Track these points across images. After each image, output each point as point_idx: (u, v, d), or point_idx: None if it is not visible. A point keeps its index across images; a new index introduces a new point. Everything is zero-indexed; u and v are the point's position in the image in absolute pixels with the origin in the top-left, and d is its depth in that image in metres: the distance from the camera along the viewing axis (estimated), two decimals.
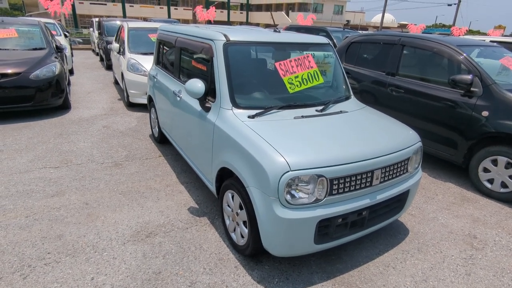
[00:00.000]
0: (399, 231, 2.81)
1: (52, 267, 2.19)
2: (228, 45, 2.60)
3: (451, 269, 2.39)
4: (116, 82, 8.23)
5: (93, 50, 15.35)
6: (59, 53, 6.17)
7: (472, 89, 3.50)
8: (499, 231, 2.90)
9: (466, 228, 2.92)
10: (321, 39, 3.09)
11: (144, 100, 5.85)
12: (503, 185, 3.37)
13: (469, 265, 2.44)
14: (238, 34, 2.72)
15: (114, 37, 8.11)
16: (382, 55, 4.61)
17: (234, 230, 2.43)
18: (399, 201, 2.46)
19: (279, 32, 3.11)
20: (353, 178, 2.04)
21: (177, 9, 40.39)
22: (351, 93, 3.09)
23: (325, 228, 2.06)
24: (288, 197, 1.91)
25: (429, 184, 3.74)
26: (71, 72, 9.23)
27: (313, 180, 1.92)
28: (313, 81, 2.74)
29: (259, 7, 52.06)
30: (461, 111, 3.57)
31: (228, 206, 2.45)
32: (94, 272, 2.17)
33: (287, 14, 45.02)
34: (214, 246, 2.49)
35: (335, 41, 8.57)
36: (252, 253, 2.26)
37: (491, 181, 3.46)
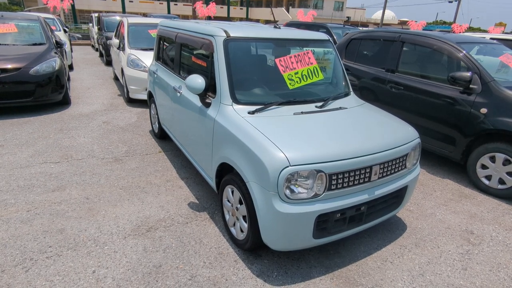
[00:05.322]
0: (397, 227, 2.84)
1: (54, 260, 2.21)
2: (229, 41, 2.61)
3: (448, 263, 2.42)
4: (115, 78, 8.23)
5: (93, 46, 15.30)
6: (58, 49, 6.16)
7: (471, 86, 3.52)
8: (496, 226, 2.93)
9: (463, 223, 2.95)
10: (321, 35, 3.09)
11: (144, 96, 5.86)
12: (501, 181, 3.40)
13: (465, 260, 2.47)
14: (239, 30, 2.72)
15: (114, 33, 8.09)
16: (382, 52, 4.62)
17: (234, 224, 2.45)
18: (397, 197, 2.48)
19: (279, 28, 3.11)
20: (352, 174, 2.06)
21: (176, 4, 40.17)
22: (351, 89, 3.10)
23: (323, 222, 2.09)
24: (288, 192, 1.93)
25: (428, 181, 3.77)
26: (70, 67, 9.22)
27: (312, 175, 1.94)
28: (313, 77, 2.76)
29: (259, 3, 51.84)
30: (460, 108, 3.59)
31: (228, 201, 2.47)
32: (96, 266, 2.19)
33: (287, 10, 44.87)
34: (214, 241, 2.52)
35: (335, 37, 8.57)
36: (252, 247, 2.29)
37: (488, 177, 3.49)
